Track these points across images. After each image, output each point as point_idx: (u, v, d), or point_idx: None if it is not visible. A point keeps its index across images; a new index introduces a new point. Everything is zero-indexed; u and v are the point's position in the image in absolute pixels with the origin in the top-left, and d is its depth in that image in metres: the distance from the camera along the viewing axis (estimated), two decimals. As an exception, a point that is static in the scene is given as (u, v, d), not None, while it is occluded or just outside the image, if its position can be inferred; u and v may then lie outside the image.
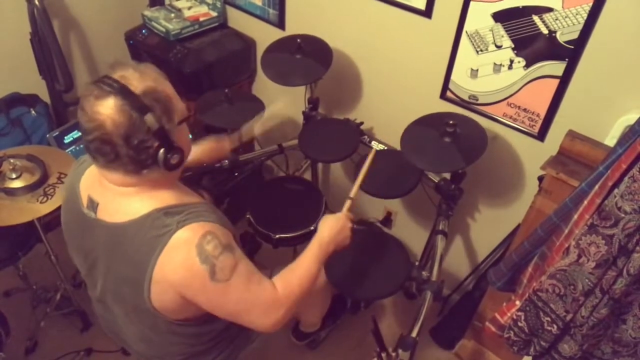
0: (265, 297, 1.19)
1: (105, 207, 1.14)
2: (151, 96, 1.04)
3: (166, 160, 1.07)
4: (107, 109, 1.00)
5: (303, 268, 1.29)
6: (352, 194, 1.52)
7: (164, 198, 1.13)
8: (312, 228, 1.88)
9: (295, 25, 2.26)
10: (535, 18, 1.52)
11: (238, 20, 2.51)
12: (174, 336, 1.25)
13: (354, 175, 1.58)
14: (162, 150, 1.06)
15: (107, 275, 1.21)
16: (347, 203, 1.50)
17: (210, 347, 1.37)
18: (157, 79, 1.09)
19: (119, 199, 1.13)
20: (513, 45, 1.61)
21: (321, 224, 1.41)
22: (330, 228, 1.39)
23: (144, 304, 1.13)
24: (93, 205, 1.15)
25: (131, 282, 1.13)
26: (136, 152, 1.04)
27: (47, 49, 2.30)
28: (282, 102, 1.89)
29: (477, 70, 1.74)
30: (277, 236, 1.87)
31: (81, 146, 2.40)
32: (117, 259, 1.15)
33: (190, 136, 1.23)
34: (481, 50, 1.69)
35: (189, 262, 1.07)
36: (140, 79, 1.05)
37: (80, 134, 2.33)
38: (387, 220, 2.44)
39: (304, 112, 2.27)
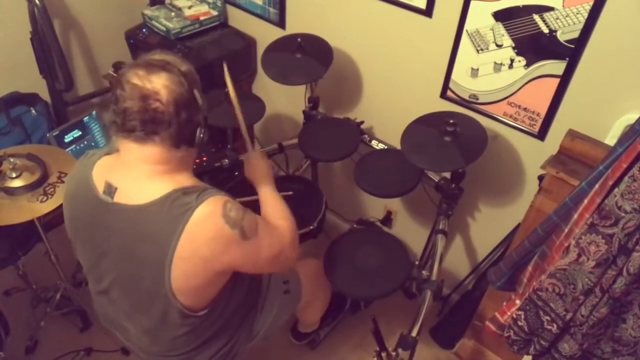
0: (283, 232, 1.35)
1: (125, 190, 1.16)
2: (192, 76, 1.14)
3: (200, 138, 1.17)
4: (163, 79, 1.08)
5: (275, 204, 1.45)
6: (244, 131, 1.69)
7: (181, 180, 1.18)
8: (312, 227, 1.89)
9: (296, 24, 2.26)
10: (536, 17, 1.52)
11: (238, 19, 2.51)
12: (181, 327, 1.26)
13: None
14: (199, 127, 1.16)
15: (122, 262, 1.22)
16: (247, 140, 1.67)
17: (213, 339, 1.38)
18: (189, 64, 1.18)
19: (141, 181, 1.15)
20: (513, 45, 1.61)
21: (252, 171, 1.58)
22: (261, 166, 1.58)
23: (162, 287, 1.15)
24: (111, 190, 1.17)
25: (151, 264, 1.14)
26: (185, 123, 1.12)
27: (47, 48, 2.30)
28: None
29: (478, 69, 1.74)
30: (277, 235, 1.87)
31: (81, 145, 2.40)
32: (136, 242, 1.16)
33: None
34: (482, 50, 1.69)
35: (219, 232, 1.13)
36: (181, 62, 1.15)
37: (80, 133, 2.36)
38: (387, 219, 2.44)
39: (304, 111, 2.27)
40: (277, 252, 1.30)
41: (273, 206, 1.45)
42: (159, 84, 1.07)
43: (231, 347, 1.46)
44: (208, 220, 1.12)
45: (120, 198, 1.17)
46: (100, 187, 1.19)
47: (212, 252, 1.14)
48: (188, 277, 1.15)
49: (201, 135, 1.18)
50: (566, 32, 1.49)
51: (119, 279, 1.26)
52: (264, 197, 1.49)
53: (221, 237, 1.14)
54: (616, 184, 1.10)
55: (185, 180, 1.20)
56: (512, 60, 1.64)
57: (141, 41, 2.45)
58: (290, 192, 1.80)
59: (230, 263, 1.20)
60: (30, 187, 1.77)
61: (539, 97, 1.64)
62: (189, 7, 2.47)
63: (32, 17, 2.24)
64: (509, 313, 1.47)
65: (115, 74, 2.52)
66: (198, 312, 1.25)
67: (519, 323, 1.41)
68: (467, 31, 1.69)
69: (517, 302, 1.44)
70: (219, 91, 2.07)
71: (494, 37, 1.64)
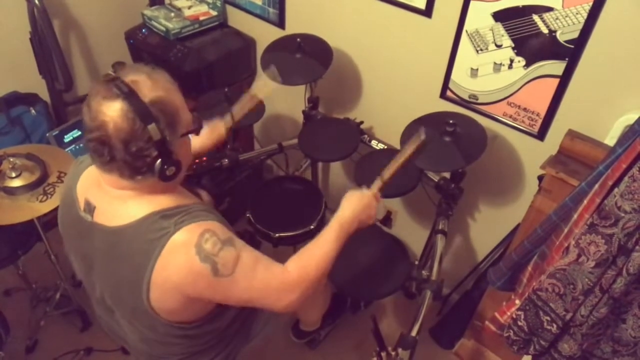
0: (275, 282, 1.18)
1: (103, 210, 1.14)
2: (158, 106, 1.04)
3: (162, 171, 1.07)
4: (113, 111, 1.00)
5: (321, 249, 1.27)
6: (385, 176, 1.44)
7: (161, 201, 1.13)
8: (312, 227, 1.89)
9: (295, 24, 2.26)
10: (536, 17, 1.52)
11: (238, 20, 2.51)
12: (173, 337, 1.25)
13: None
14: (159, 161, 1.06)
15: (105, 279, 1.21)
16: (377, 183, 1.44)
17: (210, 345, 1.37)
18: (168, 88, 1.08)
19: (116, 202, 1.13)
20: (513, 45, 1.61)
21: (344, 200, 1.37)
22: (354, 205, 1.35)
23: (142, 306, 1.13)
24: (90, 208, 1.15)
25: (129, 285, 1.13)
26: (133, 158, 1.04)
27: (47, 48, 2.30)
28: (266, 80, 1.76)
29: (477, 69, 1.74)
30: (277, 235, 1.88)
31: (81, 145, 2.40)
32: (115, 262, 1.15)
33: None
34: (481, 50, 1.69)
35: (189, 263, 1.07)
36: (152, 87, 1.05)
37: (80, 132, 2.36)
38: (387, 219, 2.44)
39: (303, 112, 2.27)
40: (253, 297, 1.18)
41: (316, 247, 1.28)
42: (108, 117, 1.00)
43: (230, 350, 1.46)
44: (181, 250, 1.07)
45: (98, 218, 1.14)
46: (81, 204, 1.17)
47: (182, 282, 1.09)
48: (164, 301, 1.13)
49: (164, 167, 1.07)
50: (566, 33, 1.49)
51: (106, 291, 1.25)
52: (325, 231, 1.31)
53: (190, 269, 1.07)
54: (616, 184, 1.11)
55: (166, 201, 1.13)
56: (511, 61, 1.64)
57: (141, 41, 2.45)
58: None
59: (200, 296, 1.14)
60: (29, 187, 1.77)
61: (539, 98, 1.64)
62: (189, 8, 2.47)
63: (32, 17, 2.23)
64: (508, 313, 1.47)
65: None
66: (187, 325, 1.23)
67: (519, 323, 1.41)
68: (466, 31, 1.69)
69: (517, 302, 1.45)
70: (219, 91, 2.07)
71: (494, 37, 1.64)
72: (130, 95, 1.01)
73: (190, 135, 1.18)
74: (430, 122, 1.75)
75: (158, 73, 1.09)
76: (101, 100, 1.01)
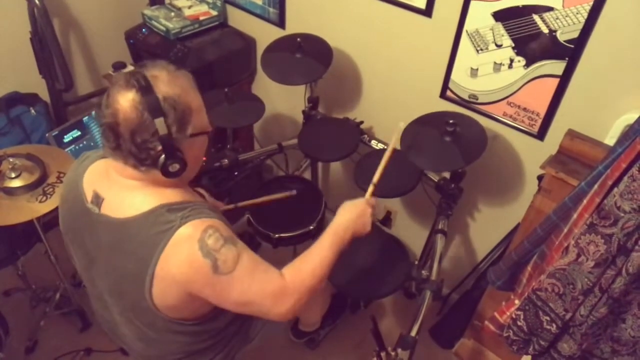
0: (272, 287, 1.18)
1: (110, 201, 1.15)
2: (170, 103, 1.06)
3: (164, 166, 1.09)
4: (125, 101, 1.05)
5: (316, 256, 1.27)
6: (374, 179, 1.47)
7: (168, 195, 1.15)
8: (311, 227, 1.89)
9: (296, 24, 2.26)
10: (536, 17, 1.52)
11: (238, 19, 2.51)
12: (172, 335, 1.25)
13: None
14: (162, 156, 1.08)
15: (107, 273, 1.22)
16: (370, 189, 1.46)
17: (209, 345, 1.37)
18: (185, 87, 1.11)
19: (124, 193, 1.14)
20: (513, 45, 1.61)
21: (339, 210, 1.39)
22: (348, 213, 1.37)
23: (144, 301, 1.13)
24: (98, 200, 1.16)
25: (132, 278, 1.13)
26: (138, 149, 1.07)
27: (47, 48, 2.30)
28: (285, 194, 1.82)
29: (477, 69, 1.74)
30: (277, 236, 1.88)
31: (81, 145, 2.40)
32: (119, 255, 1.15)
33: None
34: (481, 50, 1.69)
35: (191, 257, 1.08)
36: (169, 83, 1.08)
37: (80, 133, 2.36)
38: (387, 219, 2.44)
39: (303, 111, 2.27)
40: (249, 301, 1.17)
41: (311, 254, 1.27)
42: (120, 106, 1.05)
43: (229, 350, 1.46)
44: (184, 244, 1.08)
45: (106, 209, 1.15)
46: (88, 195, 1.18)
47: (183, 276, 1.10)
48: (165, 295, 1.13)
49: (167, 162, 1.09)
50: (566, 32, 1.49)
51: (107, 286, 1.25)
52: (320, 239, 1.30)
53: (191, 264, 1.08)
54: (615, 184, 1.11)
55: (173, 195, 1.15)
56: (511, 60, 1.64)
57: (141, 41, 2.45)
58: (294, 192, 1.69)
59: (199, 293, 1.14)
60: (29, 187, 1.77)
61: (539, 97, 1.64)
62: (189, 7, 2.47)
63: (32, 17, 2.23)
64: (508, 313, 1.47)
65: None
66: (187, 322, 1.24)
67: (518, 323, 1.41)
68: (466, 31, 1.69)
69: (517, 302, 1.45)
70: (219, 91, 2.07)
71: (494, 37, 1.64)
72: (145, 88, 1.05)
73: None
74: (430, 122, 1.75)
75: (181, 72, 1.13)
76: (119, 89, 1.06)
